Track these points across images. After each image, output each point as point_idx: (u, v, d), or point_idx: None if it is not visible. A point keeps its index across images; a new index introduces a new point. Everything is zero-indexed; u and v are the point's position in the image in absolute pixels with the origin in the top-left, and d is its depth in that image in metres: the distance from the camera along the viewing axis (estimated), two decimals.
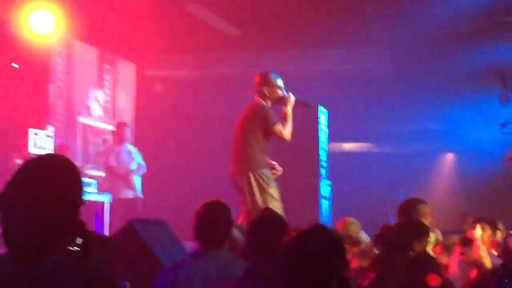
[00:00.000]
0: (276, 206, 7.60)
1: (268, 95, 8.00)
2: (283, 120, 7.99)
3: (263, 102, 8.01)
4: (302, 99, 8.31)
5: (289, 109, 8.04)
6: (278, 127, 7.92)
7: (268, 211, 4.89)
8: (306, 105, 8.66)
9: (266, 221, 4.37)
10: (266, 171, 7.91)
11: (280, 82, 8.11)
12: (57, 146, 11.23)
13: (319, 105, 12.04)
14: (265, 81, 8.04)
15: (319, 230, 3.10)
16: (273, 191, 7.84)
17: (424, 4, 12.51)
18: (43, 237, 2.31)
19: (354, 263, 6.53)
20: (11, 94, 11.83)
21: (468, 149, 17.36)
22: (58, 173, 2.41)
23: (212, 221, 4.51)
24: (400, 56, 14.54)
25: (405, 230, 5.47)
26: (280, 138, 8.01)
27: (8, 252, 2.34)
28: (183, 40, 14.29)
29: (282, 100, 8.08)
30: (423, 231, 5.51)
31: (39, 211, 2.31)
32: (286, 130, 7.97)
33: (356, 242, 7.17)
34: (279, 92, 8.06)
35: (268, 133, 7.93)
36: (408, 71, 14.93)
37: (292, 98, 8.07)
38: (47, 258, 2.29)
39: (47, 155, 2.55)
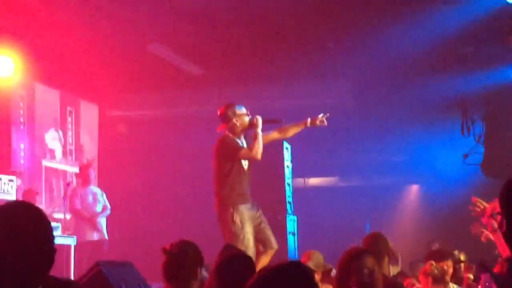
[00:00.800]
0: (247, 244, 7.66)
1: (238, 124, 8.19)
2: (254, 140, 8.13)
3: (229, 133, 8.19)
4: (269, 117, 8.45)
5: (258, 131, 8.17)
6: (242, 151, 8.11)
7: (233, 249, 4.85)
8: (275, 121, 8.82)
9: (233, 260, 4.34)
10: (242, 207, 8.01)
11: (244, 109, 8.32)
12: (25, 191, 11.15)
13: (283, 141, 12.06)
14: (232, 112, 8.22)
15: (291, 265, 3.06)
16: (247, 229, 7.87)
17: (383, 37, 12.62)
18: (11, 281, 2.28)
19: None
20: None
21: (432, 179, 17.47)
22: (25, 222, 2.38)
23: (180, 261, 4.47)
24: (361, 88, 14.65)
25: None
26: (250, 159, 8.20)
27: None
28: (146, 80, 14.30)
29: (252, 125, 8.23)
30: None
31: (6, 259, 2.28)
32: (253, 151, 8.11)
33: (329, 269, 7.24)
34: (246, 118, 8.24)
35: (236, 160, 8.09)
36: (370, 103, 15.04)
37: (259, 119, 8.22)
38: None
39: (13, 203, 2.52)
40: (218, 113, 8.35)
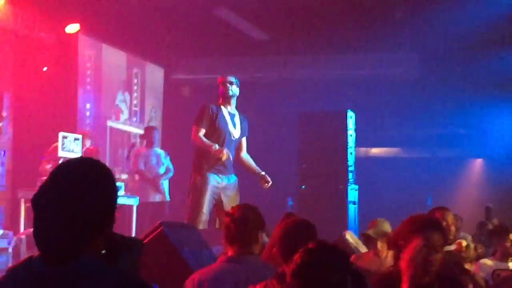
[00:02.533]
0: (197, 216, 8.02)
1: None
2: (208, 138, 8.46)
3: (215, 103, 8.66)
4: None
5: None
6: (194, 127, 8.46)
7: (294, 216, 4.83)
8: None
9: (299, 226, 4.34)
10: (201, 178, 8.34)
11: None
12: (89, 150, 11.29)
13: (347, 110, 12.02)
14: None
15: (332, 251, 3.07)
16: (203, 199, 8.25)
17: (453, 9, 12.44)
18: (74, 239, 2.32)
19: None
20: (41, 98, 11.92)
21: (497, 153, 17.21)
22: (92, 175, 2.42)
23: (242, 225, 4.49)
24: (428, 60, 14.48)
25: None
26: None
27: (40, 254, 2.35)
28: (211, 44, 14.33)
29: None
30: None
31: (71, 213, 2.32)
32: (193, 138, 8.48)
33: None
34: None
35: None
36: (436, 76, 14.87)
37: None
38: (76, 260, 2.29)
39: (81, 158, 2.55)
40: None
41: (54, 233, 2.31)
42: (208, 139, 8.37)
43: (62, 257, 2.29)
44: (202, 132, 8.40)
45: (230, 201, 8.21)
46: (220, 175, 8.43)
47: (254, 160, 8.92)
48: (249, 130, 8.95)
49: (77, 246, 2.31)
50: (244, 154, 8.90)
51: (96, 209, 2.37)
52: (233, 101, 8.73)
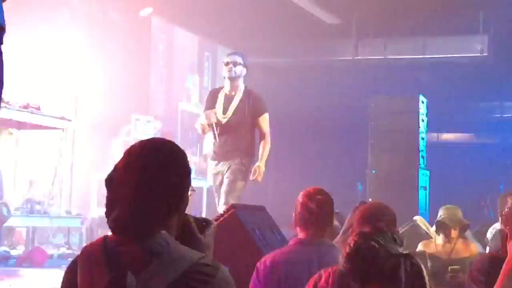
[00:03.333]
0: None
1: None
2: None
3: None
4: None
5: None
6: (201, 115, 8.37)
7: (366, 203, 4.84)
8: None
9: (378, 210, 4.34)
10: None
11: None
12: (163, 132, 11.43)
13: (419, 94, 11.92)
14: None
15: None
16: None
17: None
18: (149, 218, 2.35)
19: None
20: (114, 80, 12.07)
21: None
22: (166, 154, 2.44)
23: (315, 209, 4.48)
24: (501, 43, 14.23)
25: None
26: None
27: (113, 233, 2.38)
28: (282, 28, 14.31)
29: None
30: None
31: (147, 192, 2.35)
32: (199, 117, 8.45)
33: (465, 224, 7.13)
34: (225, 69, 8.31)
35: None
36: (508, 59, 14.59)
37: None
38: (151, 239, 2.32)
39: (155, 138, 2.58)
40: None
41: (130, 212, 2.34)
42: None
43: (138, 236, 2.32)
44: (201, 118, 8.24)
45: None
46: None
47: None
48: (263, 108, 8.36)
49: (152, 225, 2.34)
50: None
51: (171, 188, 2.39)
52: (238, 82, 8.24)
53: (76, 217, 9.56)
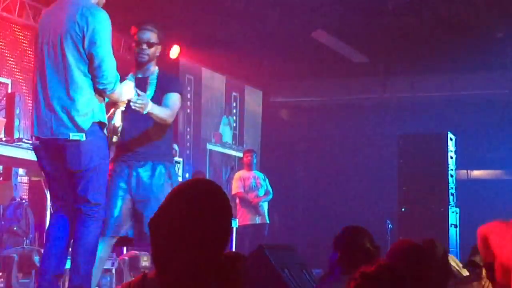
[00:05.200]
0: None
1: None
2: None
3: None
4: None
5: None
6: None
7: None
8: None
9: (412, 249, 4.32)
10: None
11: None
12: (194, 173, 11.46)
13: (448, 131, 11.90)
14: None
15: None
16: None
17: None
18: (195, 261, 2.32)
19: None
20: None
21: None
22: (212, 197, 2.41)
23: (353, 247, 4.46)
24: None
25: None
26: None
27: (155, 272, 2.37)
28: (309, 67, 14.38)
29: None
30: None
31: (194, 236, 2.32)
32: None
33: None
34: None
35: None
36: None
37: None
38: (194, 280, 2.30)
39: (198, 180, 2.55)
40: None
41: (177, 254, 2.33)
42: None
43: (181, 278, 2.31)
44: None
45: None
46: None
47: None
48: (179, 85, 6.31)
49: (198, 268, 2.32)
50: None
51: (217, 232, 2.37)
52: (149, 65, 6.17)
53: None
